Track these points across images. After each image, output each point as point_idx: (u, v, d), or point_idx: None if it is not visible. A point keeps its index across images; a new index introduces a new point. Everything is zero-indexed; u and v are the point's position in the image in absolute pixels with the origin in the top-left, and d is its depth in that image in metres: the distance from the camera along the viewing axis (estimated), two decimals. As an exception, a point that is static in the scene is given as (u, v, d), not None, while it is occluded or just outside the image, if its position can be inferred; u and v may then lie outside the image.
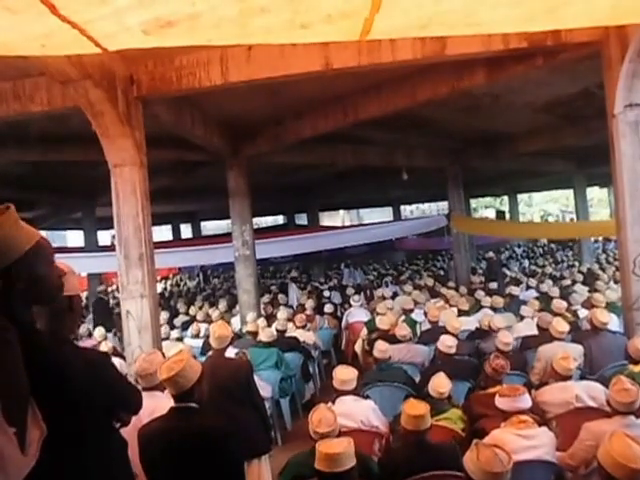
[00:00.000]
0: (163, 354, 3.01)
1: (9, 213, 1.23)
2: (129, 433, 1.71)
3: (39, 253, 1.30)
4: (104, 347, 5.76)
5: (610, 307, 5.45)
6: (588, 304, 5.85)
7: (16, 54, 1.14)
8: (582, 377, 3.77)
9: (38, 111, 4.86)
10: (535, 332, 4.82)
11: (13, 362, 1.00)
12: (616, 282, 7.74)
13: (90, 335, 7.49)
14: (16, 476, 1.01)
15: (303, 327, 6.45)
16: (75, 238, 21.33)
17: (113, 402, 1.56)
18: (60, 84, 4.11)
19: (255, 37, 1.38)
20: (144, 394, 3.01)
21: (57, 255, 1.43)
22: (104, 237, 18.24)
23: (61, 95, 4.68)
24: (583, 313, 5.78)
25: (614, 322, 4.92)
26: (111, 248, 9.59)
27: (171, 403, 2.24)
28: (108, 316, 9.33)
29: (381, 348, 4.19)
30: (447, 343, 4.11)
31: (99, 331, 6.62)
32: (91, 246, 12.30)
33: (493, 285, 8.41)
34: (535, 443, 2.57)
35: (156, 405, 2.35)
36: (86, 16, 1.01)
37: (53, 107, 4.79)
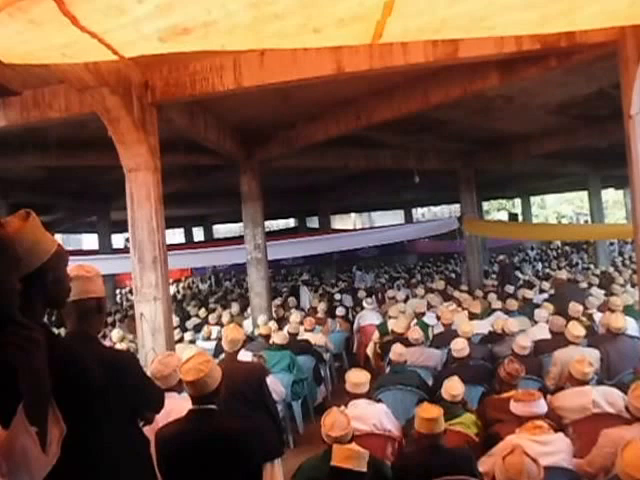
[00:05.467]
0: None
1: (34, 218, 1.27)
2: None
3: (60, 257, 1.35)
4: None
5: (627, 311, 5.35)
6: (605, 307, 5.75)
7: (38, 62, 1.17)
8: (599, 382, 3.71)
9: (56, 117, 4.94)
10: (549, 336, 4.76)
11: (38, 361, 1.02)
12: (633, 285, 7.60)
13: (104, 336, 7.58)
14: (39, 475, 1.03)
15: (311, 330, 6.43)
16: (90, 241, 21.63)
17: (137, 401, 1.58)
18: (78, 91, 4.18)
19: (268, 42, 1.39)
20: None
21: (73, 257, 1.47)
22: (118, 240, 18.48)
23: (79, 102, 4.75)
24: (599, 317, 5.68)
25: (632, 326, 4.82)
26: (124, 251, 9.69)
27: (187, 404, 2.25)
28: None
29: (398, 351, 4.18)
30: (457, 347, 4.08)
31: (117, 333, 6.69)
32: (105, 249, 12.50)
33: (509, 288, 8.30)
34: (551, 449, 2.53)
35: (173, 406, 2.36)
36: (105, 26, 1.04)
37: (71, 113, 4.86)
